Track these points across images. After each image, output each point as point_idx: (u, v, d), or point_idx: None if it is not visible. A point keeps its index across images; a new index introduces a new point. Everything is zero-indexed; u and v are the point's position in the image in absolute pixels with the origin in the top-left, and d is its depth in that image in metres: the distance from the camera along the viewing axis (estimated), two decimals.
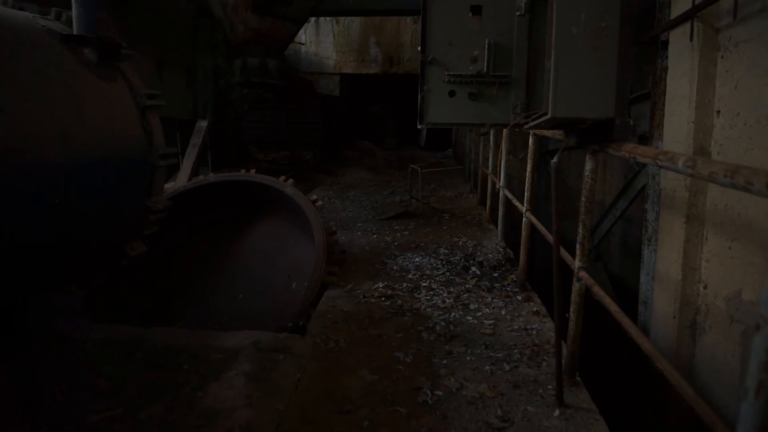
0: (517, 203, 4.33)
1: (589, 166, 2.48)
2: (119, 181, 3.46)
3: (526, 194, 4.05)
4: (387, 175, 11.92)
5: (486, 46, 2.60)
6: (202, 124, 5.64)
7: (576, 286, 2.60)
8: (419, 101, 2.71)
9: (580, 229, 2.55)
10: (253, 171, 5.03)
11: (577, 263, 2.58)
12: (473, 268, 4.56)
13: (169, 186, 5.71)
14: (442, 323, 3.40)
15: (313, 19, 17.54)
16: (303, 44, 17.53)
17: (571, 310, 2.64)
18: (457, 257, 4.96)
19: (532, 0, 2.58)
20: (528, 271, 4.25)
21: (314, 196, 4.87)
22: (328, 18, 18.21)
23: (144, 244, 3.97)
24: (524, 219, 4.01)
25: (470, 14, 2.64)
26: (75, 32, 3.40)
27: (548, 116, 2.15)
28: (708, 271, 5.00)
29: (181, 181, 5.39)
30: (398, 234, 6.09)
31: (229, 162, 13.23)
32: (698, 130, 5.01)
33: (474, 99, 2.66)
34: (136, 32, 13.38)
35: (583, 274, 2.54)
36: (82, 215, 3.17)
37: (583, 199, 2.52)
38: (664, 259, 5.53)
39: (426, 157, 18.42)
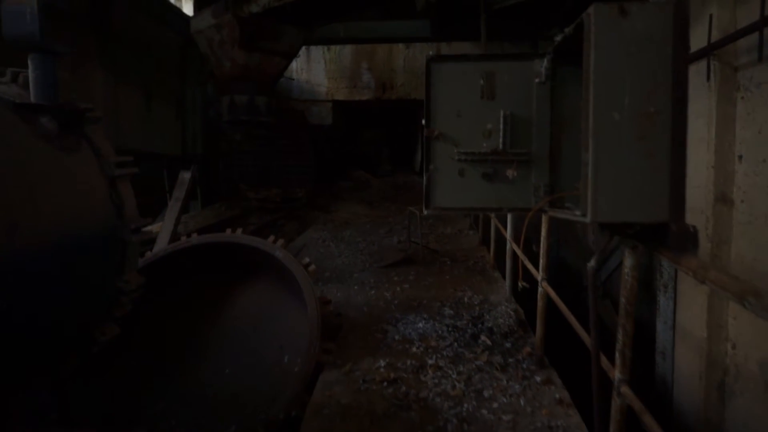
0: (531, 268, 3.92)
1: (629, 262, 2.08)
2: (83, 264, 3.04)
3: (541, 261, 3.65)
4: (383, 209, 11.53)
5: (501, 119, 2.22)
6: (186, 175, 5.25)
7: (617, 402, 2.18)
8: (425, 182, 2.31)
9: (621, 336, 2.15)
10: (239, 230, 4.62)
11: (617, 375, 2.17)
12: (483, 337, 4.14)
13: (154, 227, 5.30)
14: (454, 420, 2.97)
15: (303, 47, 17.31)
16: (293, 79, 17.31)
17: (611, 429, 2.23)
18: (464, 321, 4.54)
19: (553, 65, 2.20)
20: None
21: (306, 259, 4.46)
22: (319, 45, 17.99)
23: (117, 325, 3.54)
24: (540, 289, 3.60)
25: (481, 82, 2.26)
26: (32, 98, 3.01)
27: (587, 220, 1.76)
28: (736, 330, 4.59)
29: (162, 239, 4.98)
30: (398, 288, 5.67)
31: (219, 197, 12.83)
32: (719, 176, 4.63)
33: (489, 180, 2.28)
34: (122, 62, 13.08)
35: (625, 390, 2.13)
36: (38, 309, 2.76)
37: (622, 300, 2.12)
38: (686, 312, 5.13)
39: (421, 183, 18.05)
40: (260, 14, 7.87)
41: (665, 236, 1.71)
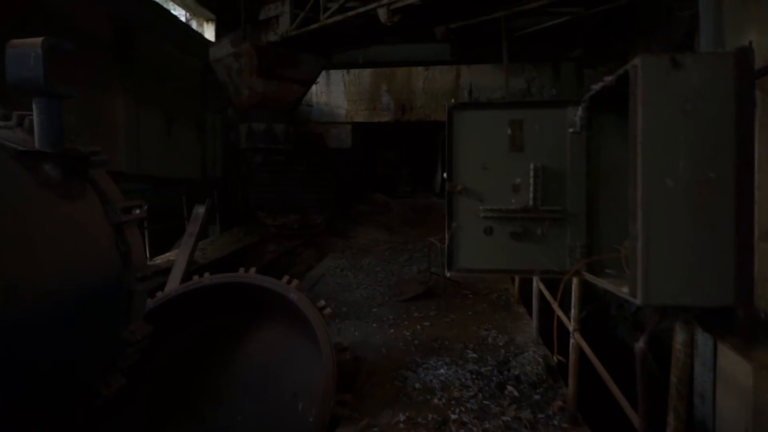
0: (562, 317, 3.65)
1: (681, 337, 1.83)
2: (85, 316, 2.89)
3: (573, 310, 3.39)
4: (402, 234, 11.32)
5: (531, 172, 2.01)
6: (200, 210, 5.12)
7: None
8: (447, 241, 2.10)
9: (672, 420, 1.90)
10: (252, 269, 4.45)
11: None
12: (509, 387, 3.87)
13: (169, 254, 5.16)
14: None
15: (323, 70, 17.37)
16: (311, 105, 17.35)
17: None
18: (489, 367, 4.28)
19: (589, 114, 1.99)
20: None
21: (321, 302, 4.26)
22: (338, 69, 18.03)
23: (123, 376, 3.38)
24: (572, 341, 3.34)
25: (509, 131, 2.05)
26: (36, 143, 2.89)
27: (636, 301, 1.53)
28: None
29: (174, 278, 4.84)
30: (418, 326, 5.43)
31: (238, 221, 12.77)
32: (763, 213, 4.35)
33: (518, 239, 2.06)
34: (144, 87, 13.20)
35: None
36: (37, 365, 2.61)
37: (673, 379, 1.87)
38: (728, 356, 4.79)
39: (441, 205, 17.84)
40: (278, 43, 7.81)
41: (730, 321, 1.46)
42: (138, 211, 3.51)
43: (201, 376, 4.33)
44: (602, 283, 1.85)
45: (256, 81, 8.10)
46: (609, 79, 1.74)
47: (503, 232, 2.07)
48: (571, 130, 2.02)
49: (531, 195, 2.02)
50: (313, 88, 18.13)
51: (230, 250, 9.77)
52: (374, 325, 5.56)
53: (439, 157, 22.67)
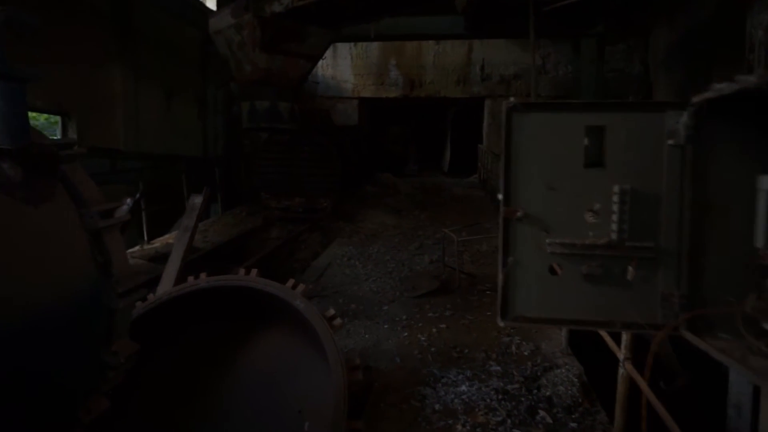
0: (610, 342, 3.19)
1: None
2: (52, 342, 2.45)
3: (624, 336, 2.92)
4: (412, 218, 10.84)
5: (615, 196, 1.52)
6: (196, 201, 4.66)
7: None
8: (500, 280, 1.63)
9: None
10: (254, 271, 4.00)
11: None
12: (541, 411, 3.45)
13: (167, 237, 4.73)
14: None
15: None
16: (318, 83, 16.72)
17: None
18: (516, 384, 3.85)
19: (695, 121, 1.49)
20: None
21: (331, 311, 3.81)
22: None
23: (106, 398, 2.96)
24: (621, 371, 2.89)
25: (586, 141, 1.56)
26: None
27: None
28: None
29: (168, 276, 4.40)
30: (434, 329, 5.00)
31: (241, 200, 12.31)
32: None
33: (594, 282, 1.59)
34: (143, 60, 12.60)
35: None
36: None
37: None
38: None
39: (450, 185, 17.38)
40: (283, 14, 7.21)
41: None
42: (125, 207, 3.03)
43: (198, 388, 3.92)
44: (714, 353, 1.39)
45: (259, 56, 7.53)
46: (744, 78, 1.24)
47: (575, 271, 1.60)
48: (670, 142, 1.53)
49: (614, 226, 1.54)
50: (320, 62, 17.48)
51: (232, 233, 9.34)
52: (386, 326, 5.14)
53: (449, 135, 22.06)
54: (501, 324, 1.70)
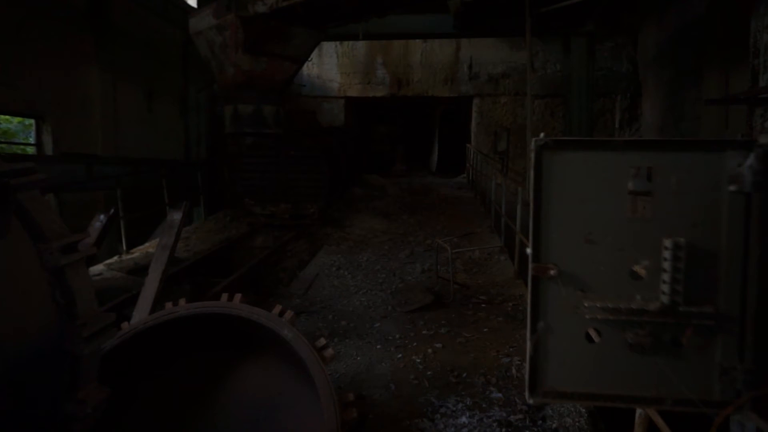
0: None
1: None
2: (5, 397, 2.17)
3: None
4: (401, 222, 10.59)
5: (667, 251, 1.26)
6: (175, 216, 4.36)
7: None
8: (528, 349, 1.37)
9: None
10: (238, 297, 3.70)
11: None
12: None
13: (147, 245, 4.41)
14: None
15: None
16: (304, 85, 16.35)
17: None
18: (519, 415, 3.61)
19: (765, 164, 1.24)
20: None
21: (322, 341, 3.53)
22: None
23: None
24: (639, 412, 2.65)
25: (631, 185, 1.30)
26: None
27: None
28: None
29: (145, 301, 4.09)
30: (429, 349, 4.75)
31: (225, 204, 11.95)
32: None
33: (640, 352, 1.33)
34: (121, 60, 12.17)
35: None
36: None
37: None
38: None
39: (439, 186, 17.16)
40: (267, 15, 6.89)
41: None
42: (88, 241, 2.73)
43: (179, 425, 3.63)
44: None
45: (242, 58, 7.21)
46: None
47: (617, 339, 1.35)
48: (732, 187, 1.28)
49: (665, 287, 1.29)
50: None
51: (216, 241, 9.01)
52: (378, 346, 4.88)
53: (437, 134, 21.83)
54: (530, 401, 1.45)
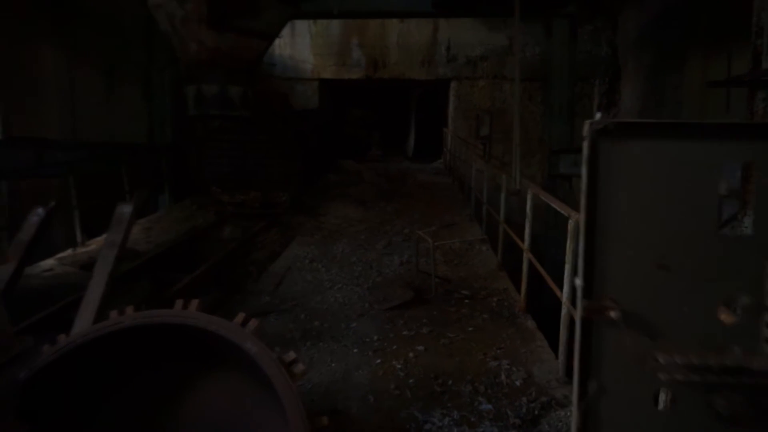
0: None
1: None
2: None
3: None
4: (377, 210, 10.16)
5: None
6: (125, 210, 3.84)
7: None
8: (574, 418, 0.95)
9: None
10: (194, 303, 3.23)
11: None
12: None
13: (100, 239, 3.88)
14: None
15: None
16: (275, 64, 15.65)
17: None
18: (513, 431, 3.26)
19: None
20: None
21: (291, 355, 3.08)
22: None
23: None
24: None
25: (722, 190, 0.87)
26: None
27: None
28: None
29: (88, 308, 3.57)
30: (410, 353, 4.36)
31: (192, 191, 11.33)
32: None
33: (733, 423, 0.93)
34: (79, 38, 11.35)
35: None
36: None
37: None
38: None
39: (416, 171, 16.77)
40: None
41: None
42: (35, 223, 2.27)
43: None
44: None
45: (206, 33, 6.62)
46: None
47: (700, 407, 0.94)
48: None
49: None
50: (276, 40, 16.41)
51: (181, 230, 8.45)
52: (355, 350, 4.47)
53: (413, 119, 21.36)
54: None
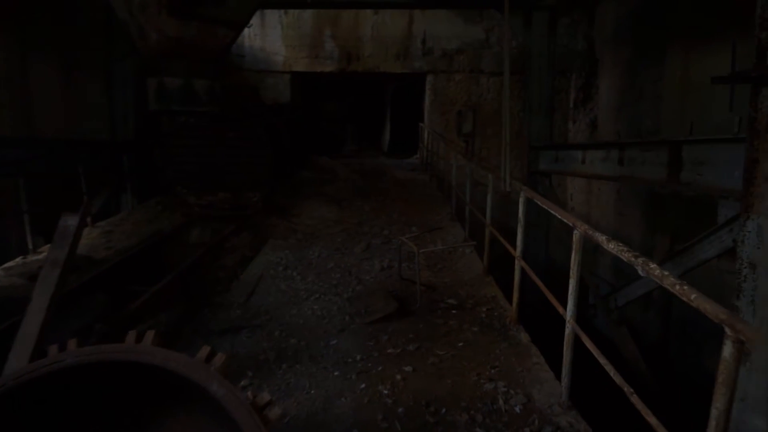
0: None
1: None
2: None
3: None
4: (354, 209, 9.73)
5: None
6: (70, 222, 3.35)
7: None
8: None
9: None
10: (149, 336, 2.76)
11: None
12: None
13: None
14: None
15: None
16: (243, 56, 14.98)
17: None
18: None
19: None
20: None
21: (265, 397, 2.65)
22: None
23: None
24: None
25: None
26: None
27: None
28: None
29: (25, 341, 3.06)
30: (398, 376, 3.96)
31: (157, 190, 10.69)
32: None
33: None
34: (34, 26, 10.57)
35: None
36: None
37: None
38: None
39: (392, 167, 16.35)
40: None
41: None
42: None
43: None
44: None
45: (167, 21, 6.07)
46: None
47: None
48: None
49: None
50: (246, 30, 15.73)
51: (144, 234, 7.87)
52: (336, 372, 4.05)
53: (388, 113, 20.90)
54: None
